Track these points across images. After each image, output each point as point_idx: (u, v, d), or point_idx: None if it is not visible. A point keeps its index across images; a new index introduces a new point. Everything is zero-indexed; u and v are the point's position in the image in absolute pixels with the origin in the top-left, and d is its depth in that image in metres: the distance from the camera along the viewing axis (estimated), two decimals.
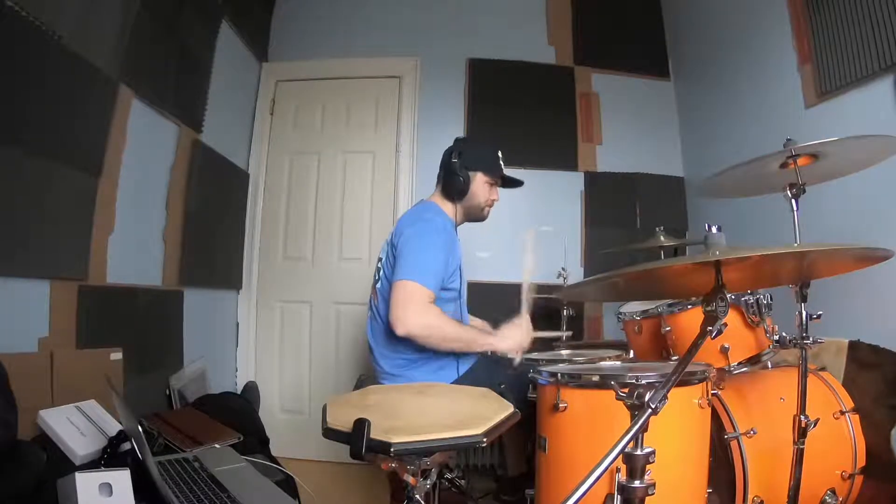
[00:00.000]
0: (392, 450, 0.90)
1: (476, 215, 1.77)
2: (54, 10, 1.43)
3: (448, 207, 1.70)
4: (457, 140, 1.71)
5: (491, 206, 1.77)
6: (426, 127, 2.85)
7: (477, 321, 1.86)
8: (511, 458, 1.88)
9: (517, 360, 1.59)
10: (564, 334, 2.11)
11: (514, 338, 1.58)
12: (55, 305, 1.49)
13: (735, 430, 1.34)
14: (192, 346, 2.21)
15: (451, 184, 1.66)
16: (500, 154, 1.75)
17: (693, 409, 1.14)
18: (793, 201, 1.32)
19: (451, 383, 1.56)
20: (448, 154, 1.69)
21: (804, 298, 1.30)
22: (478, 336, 1.57)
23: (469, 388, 1.37)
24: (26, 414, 1.18)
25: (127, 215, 1.78)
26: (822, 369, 1.60)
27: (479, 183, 1.70)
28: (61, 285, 1.52)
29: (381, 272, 1.63)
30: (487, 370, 1.61)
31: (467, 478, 2.20)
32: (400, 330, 1.40)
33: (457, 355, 1.59)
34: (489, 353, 1.68)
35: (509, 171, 1.80)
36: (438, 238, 1.55)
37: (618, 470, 0.82)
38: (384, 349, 1.62)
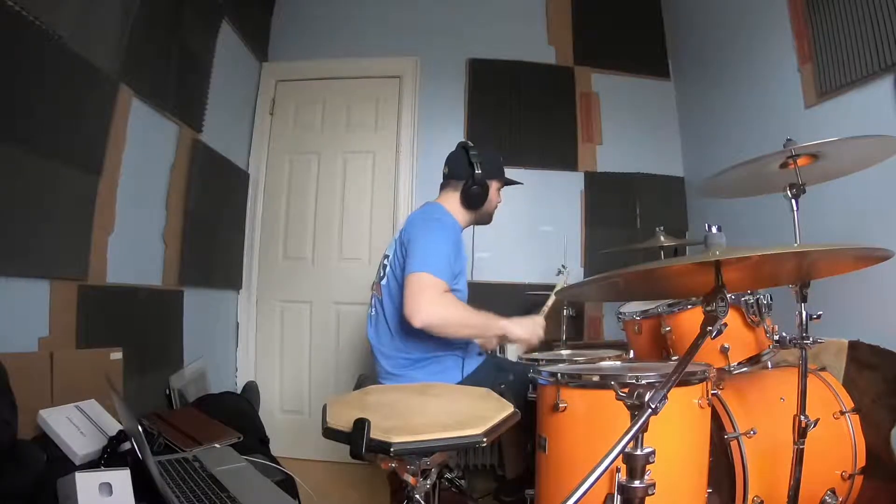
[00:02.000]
0: (392, 450, 0.90)
1: (485, 220, 1.80)
2: (54, 10, 1.43)
3: (457, 212, 1.70)
4: (469, 147, 1.69)
5: (496, 208, 1.80)
6: (426, 127, 2.85)
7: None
8: (510, 460, 1.88)
9: (519, 354, 1.61)
10: (564, 334, 2.12)
11: (527, 326, 1.60)
12: (55, 305, 1.49)
13: (735, 430, 1.34)
14: (192, 346, 2.21)
15: (475, 193, 1.67)
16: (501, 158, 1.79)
17: (693, 409, 1.14)
18: (793, 201, 1.32)
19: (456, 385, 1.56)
20: (466, 162, 1.67)
21: (804, 298, 1.30)
22: (492, 320, 1.58)
23: (469, 388, 1.37)
24: (26, 414, 1.18)
25: (127, 215, 1.78)
26: (822, 369, 1.60)
27: (493, 189, 1.74)
28: (61, 285, 1.52)
29: (388, 269, 1.63)
30: (492, 373, 1.61)
31: (467, 478, 2.20)
32: (416, 321, 1.40)
33: (463, 356, 1.60)
34: (489, 353, 1.69)
35: (508, 171, 1.83)
36: (447, 235, 1.56)
37: (618, 470, 0.82)
38: (387, 349, 1.61)
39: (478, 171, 1.65)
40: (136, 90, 1.80)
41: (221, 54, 2.40)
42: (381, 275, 1.66)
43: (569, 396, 1.17)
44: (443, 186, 1.77)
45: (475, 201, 1.68)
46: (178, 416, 1.68)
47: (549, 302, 1.86)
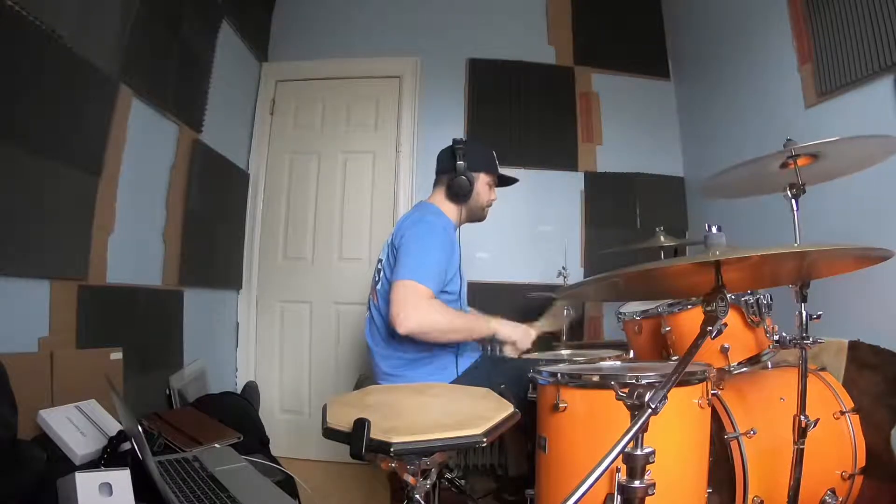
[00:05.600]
0: (392, 450, 0.90)
1: (477, 216, 1.79)
2: (54, 10, 1.43)
3: (449, 209, 1.70)
4: (455, 142, 1.71)
5: (490, 205, 1.79)
6: (426, 127, 2.85)
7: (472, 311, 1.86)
8: (512, 458, 1.88)
9: (513, 355, 1.61)
10: (564, 330, 2.12)
11: (518, 330, 1.61)
12: (55, 305, 1.49)
13: (735, 430, 1.34)
14: (192, 346, 2.21)
15: (458, 185, 1.67)
16: (494, 154, 1.77)
17: (693, 409, 1.14)
18: (793, 201, 1.32)
19: (451, 382, 1.56)
20: (450, 156, 1.69)
21: (804, 298, 1.30)
22: (477, 323, 1.59)
23: (469, 388, 1.37)
24: (26, 414, 1.18)
25: (127, 215, 1.78)
26: (822, 369, 1.60)
27: (482, 183, 1.73)
28: (61, 285, 1.52)
29: (382, 273, 1.64)
30: (487, 369, 1.61)
31: (467, 478, 2.20)
32: (401, 329, 1.41)
33: (457, 354, 1.60)
34: (489, 349, 1.69)
35: (508, 171, 1.82)
36: (438, 239, 1.55)
37: (618, 470, 0.82)
38: (383, 350, 1.62)
39: (460, 163, 1.65)
40: (136, 90, 1.80)
41: (221, 54, 2.40)
42: (377, 279, 1.67)
43: (569, 396, 1.17)
44: (434, 184, 1.78)
45: (460, 194, 1.68)
46: (178, 416, 1.68)
47: (552, 312, 1.84)
